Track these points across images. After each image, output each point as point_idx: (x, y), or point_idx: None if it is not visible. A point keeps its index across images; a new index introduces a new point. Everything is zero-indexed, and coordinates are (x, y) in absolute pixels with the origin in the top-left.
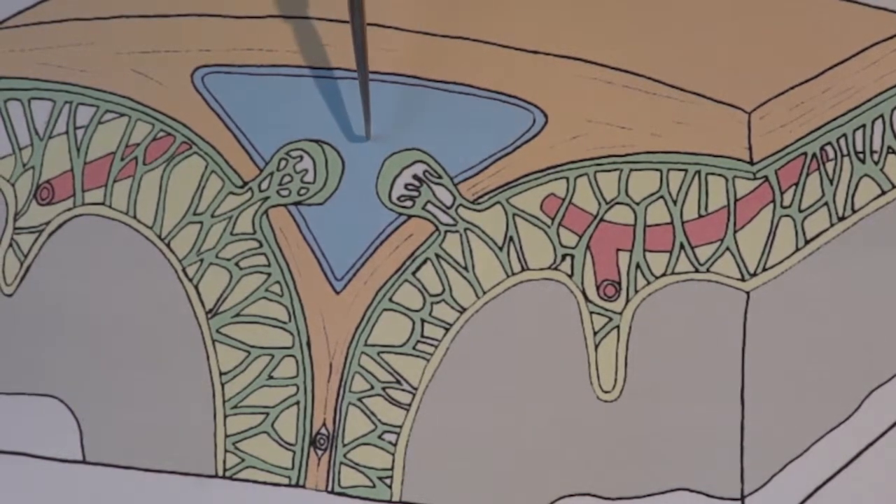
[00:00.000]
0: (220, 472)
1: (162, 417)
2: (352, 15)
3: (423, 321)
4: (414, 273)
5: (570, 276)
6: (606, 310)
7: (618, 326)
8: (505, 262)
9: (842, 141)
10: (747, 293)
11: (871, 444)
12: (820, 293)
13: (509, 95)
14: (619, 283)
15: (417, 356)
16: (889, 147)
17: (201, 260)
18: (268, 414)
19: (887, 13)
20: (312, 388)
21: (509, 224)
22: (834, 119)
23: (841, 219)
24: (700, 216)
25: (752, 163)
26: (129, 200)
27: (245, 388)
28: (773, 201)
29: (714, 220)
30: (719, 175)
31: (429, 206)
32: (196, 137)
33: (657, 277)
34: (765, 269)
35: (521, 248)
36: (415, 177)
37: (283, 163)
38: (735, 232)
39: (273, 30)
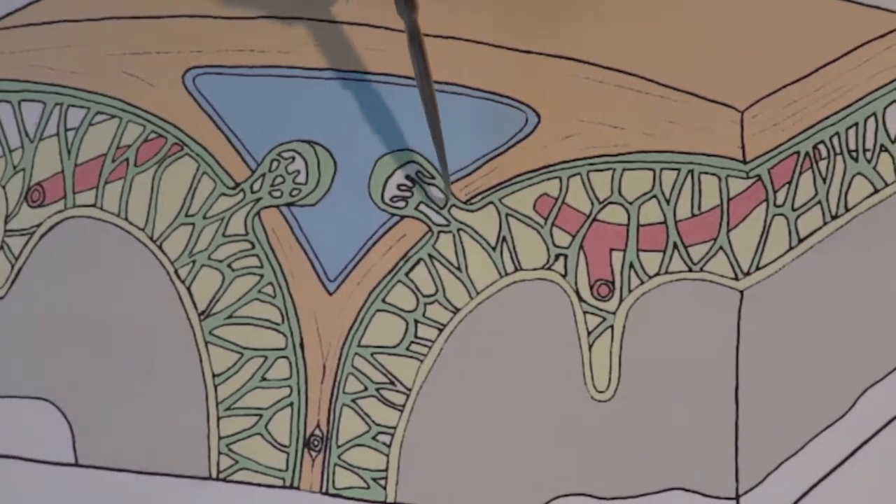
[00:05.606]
0: (214, 474)
1: (155, 419)
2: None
3: (416, 322)
4: (407, 274)
5: (564, 276)
6: (600, 309)
7: (612, 326)
8: (498, 263)
9: (835, 139)
10: (741, 292)
11: (865, 443)
12: (813, 292)
13: (501, 95)
14: (613, 283)
15: (411, 357)
16: (882, 145)
17: (193, 261)
18: (261, 415)
19: (879, 11)
20: (306, 390)
21: (502, 224)
22: (827, 118)
23: (834, 217)
24: (693, 215)
25: (745, 162)
26: (121, 202)
27: (238, 389)
28: (767, 200)
29: (707, 220)
30: (712, 174)
31: (421, 207)
32: (187, 139)
33: (651, 277)
34: (758, 268)
35: (514, 248)
36: (407, 177)
37: (274, 164)
38: (728, 231)
39: (264, 31)
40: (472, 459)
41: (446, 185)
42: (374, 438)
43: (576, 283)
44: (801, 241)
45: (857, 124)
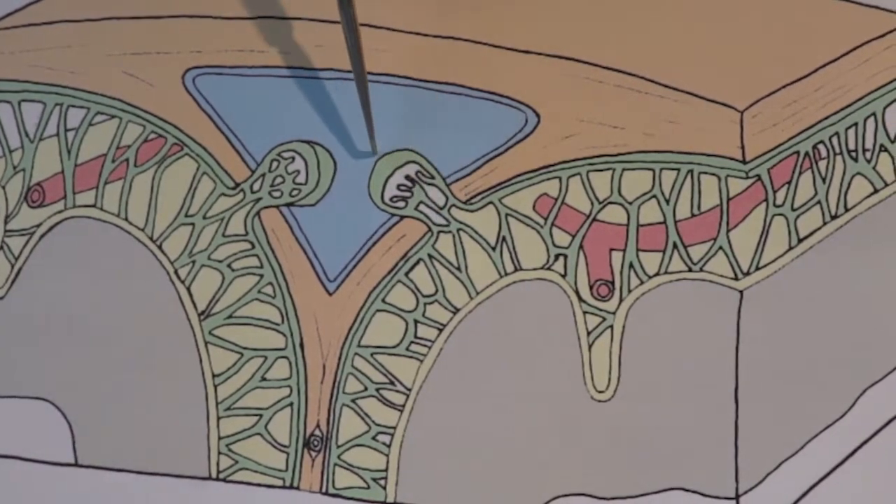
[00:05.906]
0: (214, 475)
1: (155, 420)
2: (347, 37)
3: (416, 322)
4: (407, 274)
5: (564, 276)
6: (600, 310)
7: (611, 326)
8: (498, 263)
9: (834, 139)
10: (740, 292)
11: (865, 443)
12: (813, 292)
13: (501, 95)
14: (613, 283)
15: (411, 357)
16: (881, 145)
17: (193, 261)
18: (261, 416)
19: (879, 11)
20: (306, 390)
21: (502, 224)
22: (826, 117)
23: (834, 217)
24: (693, 215)
25: (744, 162)
26: (121, 202)
27: (238, 389)
28: (766, 200)
29: (707, 220)
30: (712, 174)
31: (421, 207)
32: (187, 139)
33: (650, 277)
34: (758, 268)
35: (514, 248)
36: (407, 177)
37: (274, 164)
38: (728, 231)
39: (264, 31)
40: (472, 459)
41: (371, 139)
42: (374, 438)
43: (575, 283)
44: (800, 241)
45: (856, 124)
